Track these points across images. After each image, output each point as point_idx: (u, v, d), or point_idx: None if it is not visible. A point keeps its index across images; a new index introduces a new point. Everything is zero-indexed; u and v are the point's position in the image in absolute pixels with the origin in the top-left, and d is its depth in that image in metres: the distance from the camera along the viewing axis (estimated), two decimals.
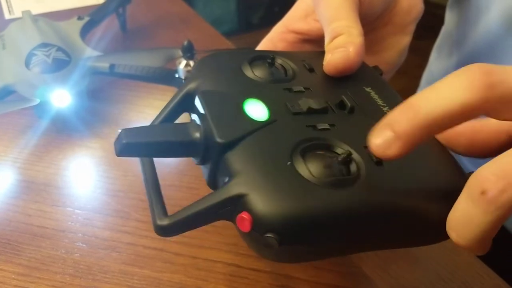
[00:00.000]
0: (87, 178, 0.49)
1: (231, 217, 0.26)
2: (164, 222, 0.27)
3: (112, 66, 0.53)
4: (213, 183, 0.30)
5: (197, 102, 0.31)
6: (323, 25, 0.37)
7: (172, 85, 0.54)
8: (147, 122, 0.56)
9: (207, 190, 0.47)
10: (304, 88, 0.33)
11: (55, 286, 0.39)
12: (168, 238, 0.43)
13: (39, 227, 0.44)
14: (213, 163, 0.29)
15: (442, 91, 0.24)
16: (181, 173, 0.50)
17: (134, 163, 0.50)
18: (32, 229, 0.44)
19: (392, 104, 0.32)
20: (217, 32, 0.76)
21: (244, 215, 0.25)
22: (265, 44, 0.44)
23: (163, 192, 0.47)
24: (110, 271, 0.41)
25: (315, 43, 0.43)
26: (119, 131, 0.28)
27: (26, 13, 0.59)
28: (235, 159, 0.27)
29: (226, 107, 0.30)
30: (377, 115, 0.30)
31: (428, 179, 0.29)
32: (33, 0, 0.82)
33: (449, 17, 0.61)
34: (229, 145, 0.28)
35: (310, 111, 0.30)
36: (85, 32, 0.61)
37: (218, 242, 0.43)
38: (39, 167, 0.50)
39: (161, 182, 0.49)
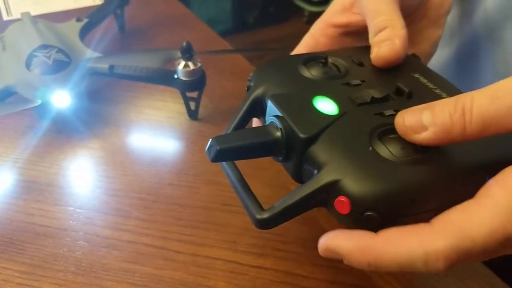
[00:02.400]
0: (87, 178, 0.50)
1: (327, 203, 0.29)
2: (264, 215, 0.30)
3: (111, 67, 0.54)
4: (299, 176, 0.33)
5: (270, 106, 0.34)
6: (367, 19, 0.39)
7: (171, 85, 0.54)
8: (147, 123, 0.57)
9: (206, 189, 0.48)
10: (361, 81, 0.36)
11: (58, 284, 0.40)
12: (168, 236, 0.44)
13: (41, 226, 0.45)
14: (298, 158, 0.32)
15: None
16: (180, 172, 0.50)
17: (133, 163, 0.51)
18: (34, 228, 0.44)
19: (441, 86, 0.36)
20: (214, 33, 0.77)
21: (342, 198, 0.28)
22: (307, 40, 0.45)
23: (163, 191, 0.49)
24: (112, 268, 0.41)
25: (354, 35, 0.44)
26: (209, 140, 0.31)
27: (25, 14, 0.60)
28: (320, 151, 0.30)
29: (299, 106, 0.33)
30: (432, 97, 0.32)
31: (494, 142, 0.30)
32: (31, 2, 0.83)
33: None
34: (311, 140, 0.31)
35: (374, 100, 0.33)
36: (84, 33, 0.62)
37: (218, 240, 0.44)
38: (40, 167, 0.51)
39: (160, 181, 0.50)
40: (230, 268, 0.42)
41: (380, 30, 0.37)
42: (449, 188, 0.29)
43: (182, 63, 0.53)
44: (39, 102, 0.49)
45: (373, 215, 0.27)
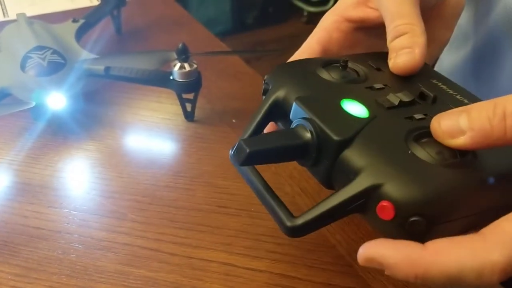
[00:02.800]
0: (83, 180, 0.50)
1: (365, 209, 0.28)
2: (296, 223, 0.29)
3: (107, 69, 0.54)
4: (329, 181, 0.32)
5: (296, 109, 0.33)
6: (386, 20, 0.38)
7: (167, 87, 0.54)
8: (143, 124, 0.57)
9: (202, 191, 0.48)
10: (383, 85, 0.35)
11: (52, 287, 0.40)
12: (163, 238, 0.44)
13: (35, 229, 0.45)
14: (329, 163, 0.30)
15: None
16: (176, 174, 0.50)
17: (129, 165, 0.51)
18: (28, 231, 0.44)
19: (460, 92, 0.36)
20: (211, 34, 0.77)
21: (385, 203, 0.27)
22: (321, 35, 0.42)
23: (158, 193, 0.48)
24: (106, 271, 0.41)
25: (369, 30, 0.43)
26: (238, 143, 0.30)
27: (21, 16, 0.60)
28: (356, 155, 0.29)
29: (328, 109, 0.32)
30: (455, 102, 0.32)
31: None
32: (27, 3, 0.82)
33: (465, 9, 0.62)
34: (346, 143, 0.30)
35: (401, 104, 0.33)
36: (80, 34, 0.61)
37: (213, 242, 0.44)
38: (35, 169, 0.51)
39: (155, 183, 0.50)
40: (225, 270, 0.41)
41: (400, 35, 0.36)
42: (491, 192, 0.29)
43: (178, 64, 0.53)
44: (33, 103, 0.49)
45: (419, 220, 0.27)
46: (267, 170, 0.49)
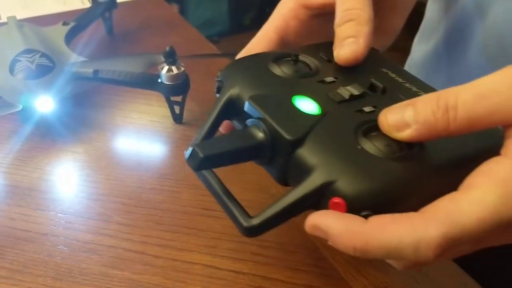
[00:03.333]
0: (70, 183, 0.50)
1: (319, 206, 0.29)
2: (253, 222, 0.29)
3: (95, 72, 0.54)
4: (284, 179, 0.32)
5: (249, 108, 0.33)
6: (336, 3, 0.38)
7: (155, 90, 0.55)
8: (132, 127, 0.57)
9: (187, 194, 0.49)
10: (334, 78, 0.35)
11: None
12: (148, 241, 0.44)
13: (22, 231, 0.45)
14: (283, 161, 0.31)
15: None
16: (162, 176, 0.51)
17: (117, 167, 0.51)
18: (15, 233, 0.45)
19: (409, 80, 0.36)
20: (202, 36, 0.77)
21: (337, 199, 0.28)
22: (277, 23, 0.42)
23: (144, 195, 0.49)
24: (91, 273, 0.41)
25: (326, 19, 0.42)
26: (190, 148, 0.30)
27: (11, 19, 0.60)
28: (309, 153, 0.30)
29: (280, 107, 0.32)
30: (404, 91, 0.33)
31: (475, 135, 0.31)
32: (19, 6, 0.83)
33: (431, 1, 0.62)
34: (299, 142, 0.30)
35: (352, 97, 0.33)
36: (70, 37, 0.62)
37: (197, 245, 0.44)
38: (24, 171, 0.51)
39: (142, 185, 0.50)
40: (208, 273, 0.42)
41: (346, 21, 0.36)
42: (438, 180, 0.29)
43: (166, 67, 0.53)
44: (20, 107, 0.50)
45: (370, 214, 0.27)
46: (253, 172, 0.50)
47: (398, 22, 0.46)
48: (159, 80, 0.54)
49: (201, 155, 0.29)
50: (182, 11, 2.54)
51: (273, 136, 0.31)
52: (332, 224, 0.27)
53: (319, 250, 0.44)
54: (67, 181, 0.51)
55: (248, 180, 0.49)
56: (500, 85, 0.27)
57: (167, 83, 0.53)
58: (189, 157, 0.30)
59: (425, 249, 0.26)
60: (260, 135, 0.31)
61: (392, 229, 0.26)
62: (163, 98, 0.56)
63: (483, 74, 0.28)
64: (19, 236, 0.44)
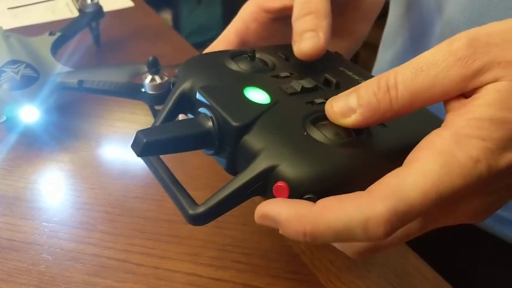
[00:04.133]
0: (55, 192, 0.51)
1: (264, 191, 0.29)
2: (198, 210, 0.29)
3: (80, 82, 0.55)
4: (233, 168, 0.32)
5: (200, 97, 0.33)
6: (295, 1, 0.38)
7: (138, 99, 0.55)
8: (117, 136, 0.58)
9: (171, 202, 0.49)
10: (289, 73, 0.36)
11: None
12: (131, 249, 0.45)
13: (7, 240, 0.45)
14: (231, 149, 0.31)
15: None
16: (147, 185, 0.51)
17: (101, 176, 0.52)
18: (0, 242, 0.45)
19: (366, 77, 0.37)
20: (189, 45, 0.78)
21: (280, 183, 0.28)
22: (237, 25, 0.43)
23: (128, 204, 0.49)
24: (74, 281, 0.42)
25: (286, 22, 0.42)
26: (136, 133, 0.29)
27: None
28: (254, 139, 0.30)
29: (229, 96, 0.32)
30: None
31: (420, 122, 0.32)
32: (10, 15, 0.84)
33: (393, 7, 0.63)
34: (245, 128, 0.30)
35: (304, 90, 0.34)
36: (56, 47, 0.62)
37: (179, 253, 0.45)
38: (9, 181, 0.52)
39: (126, 194, 0.51)
40: (190, 280, 0.42)
41: (304, 14, 0.37)
42: (382, 167, 0.29)
43: (149, 77, 0.53)
44: (4, 118, 0.50)
45: (312, 198, 0.27)
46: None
47: (362, 25, 0.46)
48: (143, 90, 0.54)
49: (144, 140, 0.29)
50: (175, 18, 2.55)
51: (220, 124, 0.31)
52: (280, 211, 0.27)
53: (299, 258, 0.44)
54: (52, 190, 0.51)
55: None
56: (436, 57, 0.28)
57: (150, 92, 0.54)
58: (133, 143, 0.30)
59: (374, 226, 0.25)
60: (208, 123, 0.31)
61: (340, 209, 0.26)
62: (148, 107, 0.57)
63: None
64: (4, 245, 0.45)
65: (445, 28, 0.49)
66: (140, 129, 0.30)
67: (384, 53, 0.64)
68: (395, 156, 0.29)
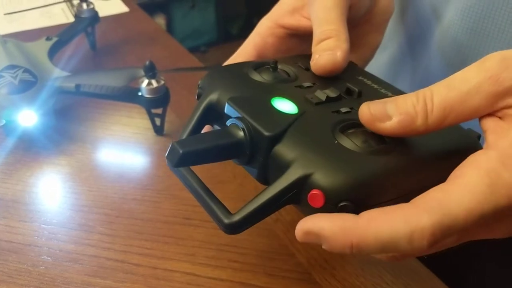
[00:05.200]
0: (53, 194, 0.52)
1: (298, 200, 0.29)
2: (233, 219, 0.30)
3: (78, 86, 0.56)
4: (264, 177, 0.33)
5: (229, 109, 0.34)
6: (313, 24, 0.39)
7: (135, 103, 0.56)
8: (113, 139, 0.58)
9: (168, 203, 0.50)
10: (312, 83, 0.37)
11: None
12: (129, 250, 0.45)
13: (6, 242, 0.46)
14: (263, 159, 0.31)
15: None
16: (144, 187, 0.52)
17: (99, 179, 0.53)
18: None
19: (384, 86, 0.38)
20: (185, 49, 0.79)
21: (315, 191, 0.28)
22: (255, 40, 0.44)
23: (126, 206, 0.50)
24: (73, 282, 0.43)
25: (302, 38, 0.44)
26: (171, 144, 0.30)
27: None
28: (287, 149, 0.30)
29: (258, 107, 0.33)
30: (380, 95, 0.34)
31: (447, 133, 0.32)
32: (6, 20, 0.84)
33: None
34: (277, 138, 0.31)
35: (328, 99, 0.34)
36: (53, 52, 0.63)
37: (177, 253, 0.45)
38: (8, 184, 0.52)
39: (123, 196, 0.51)
40: (188, 280, 0.43)
41: (324, 40, 0.38)
42: (417, 174, 0.30)
43: (146, 81, 0.54)
44: (3, 122, 0.51)
45: (348, 205, 0.28)
46: (232, 182, 0.51)
47: (375, 36, 0.48)
48: (140, 93, 0.55)
49: (180, 150, 0.29)
50: (169, 22, 2.56)
51: (251, 134, 0.31)
52: (325, 226, 0.27)
53: (295, 256, 0.45)
54: (50, 193, 0.52)
55: (229, 190, 0.51)
56: (468, 74, 0.29)
57: (147, 96, 0.55)
58: (168, 153, 0.30)
59: (419, 239, 0.26)
60: (240, 133, 0.32)
61: (385, 220, 0.27)
62: (144, 111, 0.57)
63: (444, 77, 0.30)
64: (3, 247, 0.46)
65: (444, 33, 0.50)
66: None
67: (378, 56, 0.65)
68: (425, 164, 0.30)
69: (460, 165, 0.28)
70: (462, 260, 0.55)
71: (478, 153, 0.28)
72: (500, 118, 0.29)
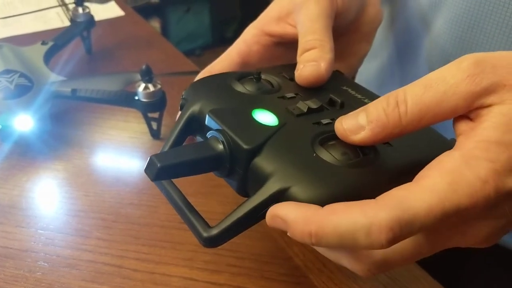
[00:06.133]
0: (50, 199, 0.51)
1: None
2: (212, 232, 0.30)
3: (74, 91, 0.56)
4: (244, 190, 0.33)
5: (209, 121, 0.34)
6: (299, 34, 0.40)
7: (132, 107, 0.56)
8: (110, 143, 0.58)
9: (164, 208, 0.50)
10: (295, 94, 0.37)
11: None
12: (126, 255, 0.45)
13: (3, 248, 0.46)
14: (242, 171, 0.31)
15: None
16: (140, 191, 0.52)
17: (95, 183, 0.52)
18: None
19: (369, 96, 0.38)
20: (180, 53, 0.79)
21: None
22: (240, 47, 0.44)
23: (122, 210, 0.50)
24: None
25: (288, 45, 0.44)
26: (149, 158, 0.30)
27: None
28: (265, 161, 0.30)
29: (239, 119, 0.33)
30: (363, 106, 0.34)
31: (426, 144, 0.33)
32: (0, 25, 0.84)
33: None
34: (255, 151, 0.31)
35: (310, 110, 0.34)
36: (49, 56, 0.63)
37: (174, 258, 0.45)
38: (4, 189, 0.52)
39: (120, 200, 0.51)
40: (186, 284, 0.43)
41: (308, 49, 0.38)
42: (391, 186, 0.30)
43: (142, 85, 0.54)
44: None
45: None
46: (229, 186, 0.51)
47: (363, 45, 0.48)
48: (136, 98, 0.55)
49: (158, 164, 0.29)
50: (164, 25, 2.56)
51: (231, 147, 0.32)
52: (289, 212, 0.28)
53: (292, 260, 0.45)
54: (46, 198, 0.52)
55: (223, 194, 0.51)
56: (445, 74, 0.29)
57: (144, 100, 0.55)
58: (146, 167, 0.30)
59: (377, 232, 0.26)
60: (219, 146, 0.32)
61: (345, 212, 0.27)
62: (141, 115, 0.57)
63: None
64: (0, 253, 0.45)
65: (433, 42, 0.50)
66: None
67: (367, 64, 0.66)
68: (403, 176, 0.30)
69: (425, 167, 0.28)
70: (460, 263, 0.55)
71: (444, 154, 0.28)
72: (471, 119, 0.29)
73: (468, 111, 0.29)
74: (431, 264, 0.45)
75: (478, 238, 0.30)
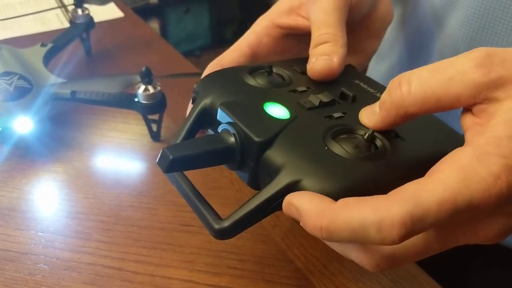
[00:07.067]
0: (50, 202, 0.51)
1: None
2: (224, 225, 0.30)
3: (73, 93, 0.55)
4: (255, 182, 0.33)
5: (221, 114, 0.34)
6: (312, 27, 0.40)
7: (132, 109, 0.56)
8: (110, 145, 0.58)
9: (165, 210, 0.50)
10: (306, 88, 0.37)
11: None
12: (126, 257, 0.45)
13: (2, 250, 0.46)
14: (254, 164, 0.32)
15: None
16: (140, 194, 0.52)
17: (95, 186, 0.52)
18: None
19: (381, 90, 0.37)
20: (180, 54, 0.79)
21: None
22: (250, 38, 0.44)
23: (122, 212, 0.50)
24: None
25: (299, 37, 0.44)
26: (162, 150, 0.30)
27: None
28: (277, 154, 0.31)
29: (250, 112, 0.33)
30: (375, 100, 0.34)
31: (438, 138, 0.34)
32: None
33: None
34: (267, 144, 0.31)
35: (321, 104, 0.35)
36: (48, 58, 0.63)
37: (175, 260, 0.45)
38: (3, 191, 0.52)
39: (120, 203, 0.51)
40: (186, 287, 0.43)
41: (322, 43, 0.38)
42: (402, 179, 0.30)
43: (142, 87, 0.54)
44: None
45: None
46: (230, 187, 0.51)
47: (373, 42, 0.48)
48: (136, 99, 0.55)
49: (170, 156, 0.29)
50: (164, 26, 2.56)
51: (242, 139, 0.32)
52: (304, 203, 0.28)
53: (293, 263, 0.45)
54: (46, 200, 0.51)
55: (225, 196, 0.50)
56: (455, 61, 0.29)
57: (143, 102, 0.55)
58: (159, 159, 0.30)
59: (388, 227, 0.26)
60: (231, 139, 0.32)
61: (357, 207, 0.27)
62: (140, 117, 0.57)
63: None
64: (0, 256, 0.45)
65: (445, 42, 0.50)
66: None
67: (378, 65, 0.65)
68: (415, 170, 0.30)
69: (438, 162, 0.28)
70: (461, 265, 0.55)
71: (456, 150, 0.28)
72: (475, 115, 0.29)
73: (473, 102, 0.29)
74: (432, 264, 0.45)
75: (488, 235, 0.30)
